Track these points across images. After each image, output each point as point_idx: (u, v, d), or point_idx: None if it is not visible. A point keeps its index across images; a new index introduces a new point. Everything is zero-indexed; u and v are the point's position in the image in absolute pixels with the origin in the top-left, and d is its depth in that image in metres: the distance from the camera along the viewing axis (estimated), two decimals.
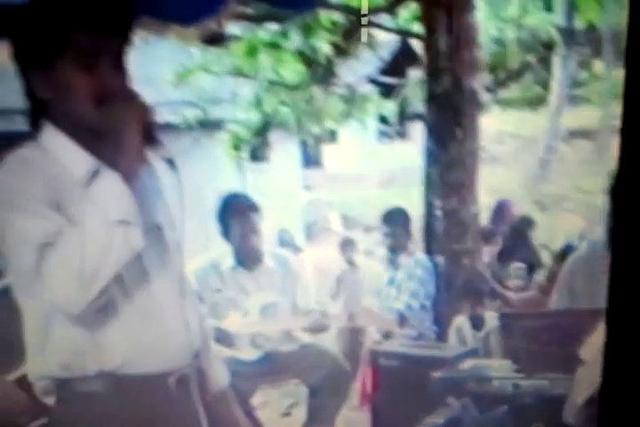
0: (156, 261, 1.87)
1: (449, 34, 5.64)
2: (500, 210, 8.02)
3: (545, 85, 16.35)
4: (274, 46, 8.58)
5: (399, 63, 8.82)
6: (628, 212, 1.08)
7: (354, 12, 7.41)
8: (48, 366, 1.83)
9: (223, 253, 4.37)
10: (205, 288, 4.24)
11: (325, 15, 7.68)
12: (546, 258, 7.45)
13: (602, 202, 5.58)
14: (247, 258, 4.34)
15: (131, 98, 1.75)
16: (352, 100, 9.58)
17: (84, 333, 1.78)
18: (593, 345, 2.69)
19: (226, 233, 4.34)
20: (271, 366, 4.24)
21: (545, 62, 15.65)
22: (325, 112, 9.80)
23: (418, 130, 9.31)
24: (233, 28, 7.26)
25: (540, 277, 6.48)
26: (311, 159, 16.39)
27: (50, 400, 1.87)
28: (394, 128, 16.42)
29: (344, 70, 9.26)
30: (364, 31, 8.06)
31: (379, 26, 8.01)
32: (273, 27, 8.02)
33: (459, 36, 5.63)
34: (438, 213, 5.78)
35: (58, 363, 1.81)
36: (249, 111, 9.92)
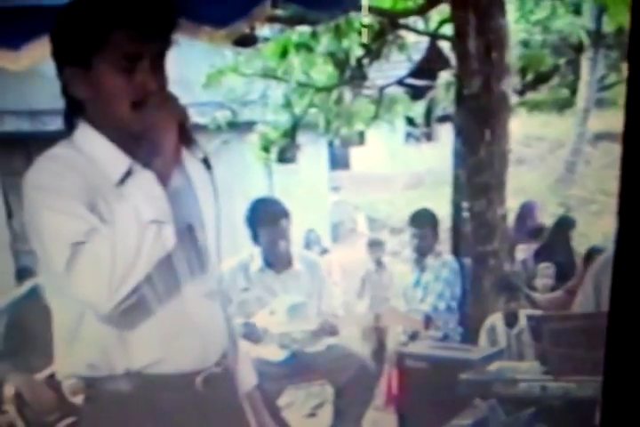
0: (187, 261, 1.87)
1: (479, 36, 5.64)
2: (525, 212, 8.03)
3: (573, 88, 16.26)
4: (305, 48, 8.60)
5: (429, 65, 8.82)
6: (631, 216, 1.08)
7: (385, 15, 7.43)
8: (76, 365, 1.84)
9: (252, 254, 4.40)
10: (233, 288, 4.28)
11: (356, 17, 7.68)
12: None
13: None
14: (276, 260, 4.37)
15: (167, 100, 1.74)
16: (381, 102, 9.58)
17: (113, 332, 1.78)
18: None
19: (255, 237, 4.37)
20: (298, 367, 4.25)
21: (573, 65, 15.58)
22: (354, 114, 9.80)
23: (446, 132, 9.31)
24: (264, 29, 7.30)
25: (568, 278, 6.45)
26: (339, 161, 16.40)
27: (78, 399, 1.87)
28: (422, 130, 16.41)
29: (374, 72, 9.26)
30: (394, 33, 8.08)
31: (409, 28, 8.03)
32: (304, 29, 8.03)
33: (488, 38, 5.63)
34: (466, 214, 5.79)
35: (86, 362, 1.81)
36: (278, 113, 9.92)
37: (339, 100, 9.38)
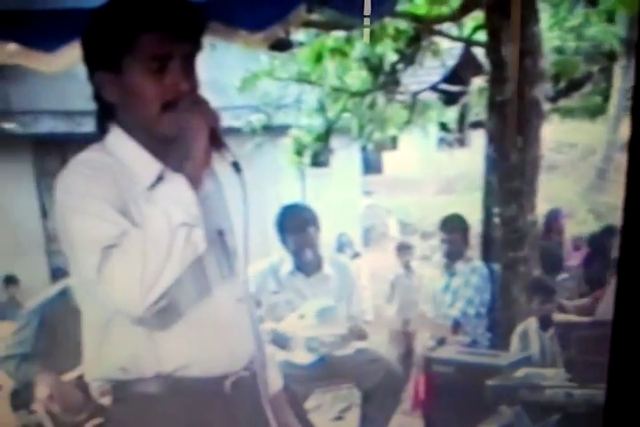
0: (217, 265, 1.88)
1: (513, 43, 5.64)
2: (551, 219, 8.05)
3: (605, 95, 16.17)
4: (339, 53, 8.63)
5: (462, 71, 8.81)
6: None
7: (420, 21, 7.44)
8: (105, 368, 1.85)
9: (283, 257, 4.42)
10: (263, 291, 4.31)
11: (391, 23, 7.70)
12: None
13: None
14: (306, 264, 4.39)
15: (198, 103, 1.73)
16: (414, 108, 9.58)
17: (143, 335, 1.78)
18: None
19: (285, 241, 4.39)
20: (326, 371, 4.25)
21: (606, 72, 15.48)
22: (387, 119, 9.81)
23: (479, 137, 9.29)
24: (299, 34, 7.33)
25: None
26: (371, 165, 16.42)
27: (106, 400, 1.88)
28: (455, 135, 16.38)
29: (407, 78, 9.27)
30: (428, 39, 8.09)
31: (443, 34, 8.03)
32: (339, 34, 8.06)
33: (522, 45, 5.63)
34: (496, 220, 5.77)
35: (115, 365, 1.82)
36: (312, 117, 9.95)
37: (372, 105, 9.40)
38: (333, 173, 12.57)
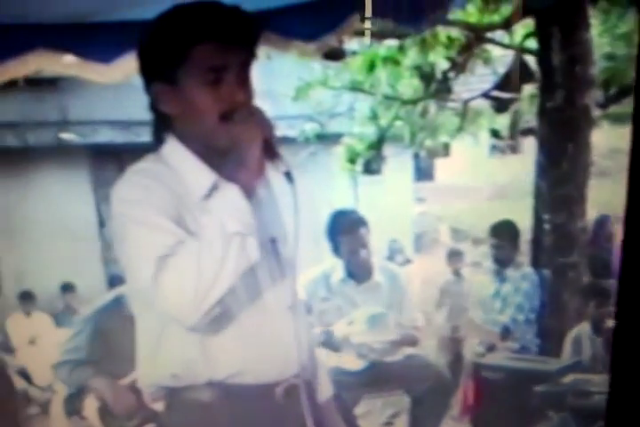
0: (269, 273, 1.87)
1: (563, 50, 5.65)
2: (601, 224, 7.99)
3: None
4: (391, 62, 8.66)
5: (513, 78, 8.77)
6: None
7: (471, 29, 7.46)
8: (159, 374, 1.86)
9: (334, 265, 4.47)
10: (314, 298, 4.37)
11: (443, 31, 7.73)
12: None
13: None
14: (357, 271, 4.44)
15: (254, 113, 1.73)
16: (465, 115, 9.57)
17: (197, 343, 1.78)
18: None
19: (336, 250, 4.44)
20: (376, 377, 4.28)
21: None
22: (439, 126, 9.82)
23: (529, 144, 9.24)
24: (352, 43, 7.38)
25: None
26: (423, 172, 16.39)
27: (158, 406, 1.90)
28: (506, 142, 16.26)
29: (459, 86, 9.27)
30: (480, 47, 8.09)
31: (495, 42, 8.03)
32: (391, 42, 8.09)
33: (573, 52, 5.63)
34: (547, 226, 5.76)
35: (169, 372, 1.83)
36: (365, 125, 9.97)
37: (424, 113, 9.40)
38: (386, 180, 12.59)
